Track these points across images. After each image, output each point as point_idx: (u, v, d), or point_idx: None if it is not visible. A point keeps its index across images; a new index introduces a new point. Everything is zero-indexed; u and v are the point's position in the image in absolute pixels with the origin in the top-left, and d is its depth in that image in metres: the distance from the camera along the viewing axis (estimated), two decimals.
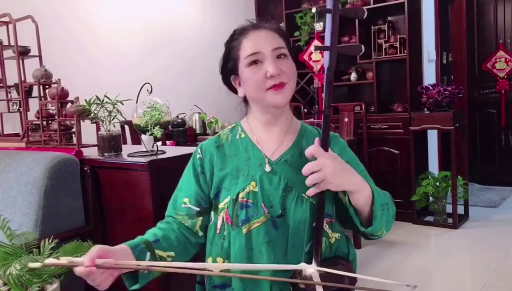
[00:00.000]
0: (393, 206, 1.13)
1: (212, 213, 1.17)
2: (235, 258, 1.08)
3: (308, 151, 1.01)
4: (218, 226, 1.13)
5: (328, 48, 1.03)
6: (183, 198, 1.18)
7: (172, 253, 1.10)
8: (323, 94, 1.07)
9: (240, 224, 1.09)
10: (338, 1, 1.02)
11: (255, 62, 1.10)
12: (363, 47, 1.09)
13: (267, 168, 1.12)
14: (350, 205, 1.05)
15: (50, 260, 0.91)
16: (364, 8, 4.14)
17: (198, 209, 1.17)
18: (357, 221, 1.07)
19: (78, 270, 0.91)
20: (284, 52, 1.12)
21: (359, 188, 1.03)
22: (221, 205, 1.13)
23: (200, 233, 1.18)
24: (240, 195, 1.10)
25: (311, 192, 1.00)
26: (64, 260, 0.92)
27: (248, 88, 1.14)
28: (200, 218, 1.17)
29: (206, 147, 1.21)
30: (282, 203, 1.09)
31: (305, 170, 0.99)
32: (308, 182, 0.99)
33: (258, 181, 1.11)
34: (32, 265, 0.91)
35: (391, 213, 1.11)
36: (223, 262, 1.11)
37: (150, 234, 1.12)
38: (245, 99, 1.21)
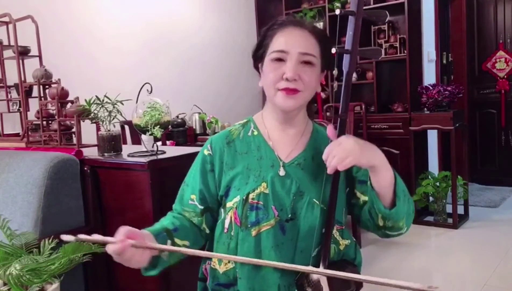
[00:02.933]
0: (412, 201, 1.10)
1: (222, 210, 1.16)
2: None
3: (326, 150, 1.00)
4: (226, 225, 1.12)
5: (349, 51, 1.02)
6: (190, 194, 1.17)
7: (187, 242, 1.12)
8: (341, 98, 1.04)
9: (249, 225, 1.07)
10: (362, 3, 1.01)
11: (278, 59, 1.07)
12: (382, 51, 1.08)
13: (281, 172, 1.10)
14: (372, 190, 1.03)
15: (83, 236, 0.92)
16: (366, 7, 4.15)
17: (202, 207, 1.16)
18: (380, 203, 1.03)
19: (112, 248, 0.92)
20: (311, 60, 1.07)
21: (385, 165, 1.01)
22: (230, 204, 1.11)
23: (207, 230, 1.18)
24: (251, 196, 1.08)
25: (343, 167, 0.97)
26: (97, 237, 0.93)
27: (264, 82, 1.12)
28: (204, 216, 1.17)
29: (216, 143, 1.18)
30: (293, 207, 1.07)
31: (325, 156, 0.99)
32: (327, 157, 0.98)
33: (269, 182, 1.09)
34: (65, 237, 0.92)
35: (411, 206, 1.09)
36: (229, 261, 1.11)
37: (168, 222, 1.12)
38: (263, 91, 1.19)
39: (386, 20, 1.08)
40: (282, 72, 1.06)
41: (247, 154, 1.14)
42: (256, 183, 1.09)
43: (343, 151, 0.96)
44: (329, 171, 0.99)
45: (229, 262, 1.11)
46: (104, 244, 0.93)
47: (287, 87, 1.06)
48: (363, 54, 1.07)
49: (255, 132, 1.17)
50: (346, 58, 1.03)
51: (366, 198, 1.09)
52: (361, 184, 1.10)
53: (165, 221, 1.13)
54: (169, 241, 1.06)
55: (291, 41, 1.07)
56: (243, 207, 1.08)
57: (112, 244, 0.92)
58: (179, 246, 1.09)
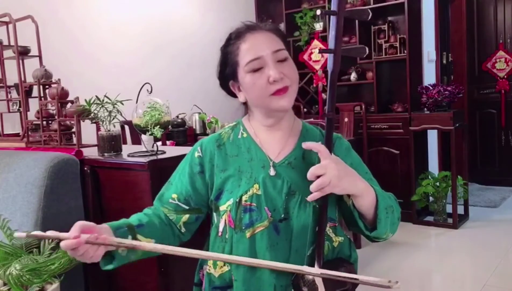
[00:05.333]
0: (397, 208, 1.12)
1: (214, 214, 1.16)
2: None
3: (308, 144, 1.01)
4: (220, 229, 1.12)
5: (332, 51, 1.02)
6: (172, 193, 1.17)
7: (152, 240, 1.09)
8: (327, 97, 1.06)
9: (243, 227, 1.07)
10: (344, 3, 1.01)
11: (256, 68, 1.07)
12: (367, 49, 1.08)
13: (272, 172, 1.10)
14: (354, 208, 1.05)
15: (36, 232, 0.95)
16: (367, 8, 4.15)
17: (187, 207, 1.16)
18: (362, 224, 1.06)
19: (65, 244, 0.93)
20: (284, 54, 1.09)
21: (363, 192, 1.02)
22: (223, 207, 1.11)
23: (183, 229, 1.17)
24: (244, 198, 1.08)
25: (313, 196, 0.98)
26: (50, 233, 0.96)
27: (251, 94, 1.11)
28: (187, 215, 1.16)
29: (207, 145, 1.18)
30: (285, 207, 1.08)
31: (310, 174, 0.98)
32: (313, 187, 0.97)
33: (261, 183, 1.09)
34: (17, 234, 0.96)
35: (396, 215, 1.10)
36: (224, 264, 1.11)
37: (134, 218, 1.12)
38: (245, 103, 1.19)
39: (369, 18, 1.09)
40: (266, 78, 1.06)
41: (238, 156, 1.14)
42: (248, 184, 1.10)
43: (325, 179, 0.96)
44: (312, 197, 0.99)
45: (224, 265, 1.11)
46: (59, 240, 0.94)
47: (277, 89, 1.06)
48: (347, 53, 1.07)
49: (245, 135, 1.17)
50: (330, 58, 1.04)
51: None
52: None
53: (133, 217, 1.13)
54: (129, 236, 1.05)
55: (258, 46, 1.08)
56: (236, 209, 1.08)
57: (66, 240, 0.93)
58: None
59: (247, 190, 1.09)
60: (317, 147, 1.00)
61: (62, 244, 0.93)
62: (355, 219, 1.06)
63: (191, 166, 1.17)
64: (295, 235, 1.07)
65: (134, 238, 1.06)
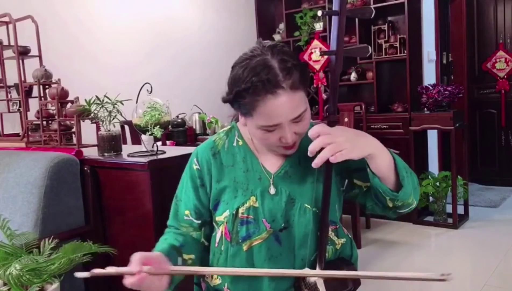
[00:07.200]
0: (414, 173, 1.07)
1: (214, 224, 1.15)
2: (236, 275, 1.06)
3: (312, 132, 0.93)
4: (216, 240, 1.11)
5: (334, 52, 1.00)
6: (184, 209, 1.15)
7: (193, 256, 1.11)
8: (329, 98, 1.04)
9: (240, 240, 1.06)
10: (345, 3, 1.00)
11: (270, 130, 1.00)
12: (369, 48, 1.05)
13: (272, 190, 1.08)
14: (374, 175, 0.99)
15: (97, 270, 0.90)
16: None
17: (199, 222, 1.15)
18: (385, 187, 0.99)
19: (129, 281, 0.89)
20: (303, 115, 1.00)
21: (378, 150, 0.96)
22: (220, 218, 1.10)
23: (206, 243, 1.17)
24: (240, 210, 1.07)
25: (336, 157, 0.90)
26: (111, 269, 0.91)
27: (258, 141, 1.08)
28: (203, 230, 1.16)
29: (202, 155, 1.14)
30: (285, 216, 1.06)
31: (312, 147, 0.91)
32: (325, 153, 0.89)
33: (258, 196, 1.07)
34: (79, 274, 0.90)
35: (415, 179, 1.05)
36: (216, 277, 1.11)
37: (173, 240, 1.10)
38: None
39: (372, 16, 1.04)
40: (277, 138, 1.01)
41: (233, 166, 1.12)
42: (245, 197, 1.08)
43: (336, 145, 0.90)
44: (319, 161, 0.90)
45: (217, 277, 1.10)
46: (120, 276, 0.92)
47: (286, 147, 1.03)
48: (350, 54, 1.04)
49: (240, 142, 1.14)
50: (332, 59, 1.01)
51: (367, 184, 1.05)
52: (359, 172, 1.07)
53: (169, 239, 1.11)
54: (179, 258, 1.06)
55: (277, 114, 0.96)
56: (233, 221, 1.07)
57: (129, 276, 0.90)
58: (186, 261, 1.08)
59: (244, 202, 1.07)
60: (314, 131, 0.93)
61: (125, 281, 0.90)
62: (377, 187, 1.00)
63: (192, 179, 1.15)
64: (298, 242, 1.05)
65: (182, 258, 1.07)
